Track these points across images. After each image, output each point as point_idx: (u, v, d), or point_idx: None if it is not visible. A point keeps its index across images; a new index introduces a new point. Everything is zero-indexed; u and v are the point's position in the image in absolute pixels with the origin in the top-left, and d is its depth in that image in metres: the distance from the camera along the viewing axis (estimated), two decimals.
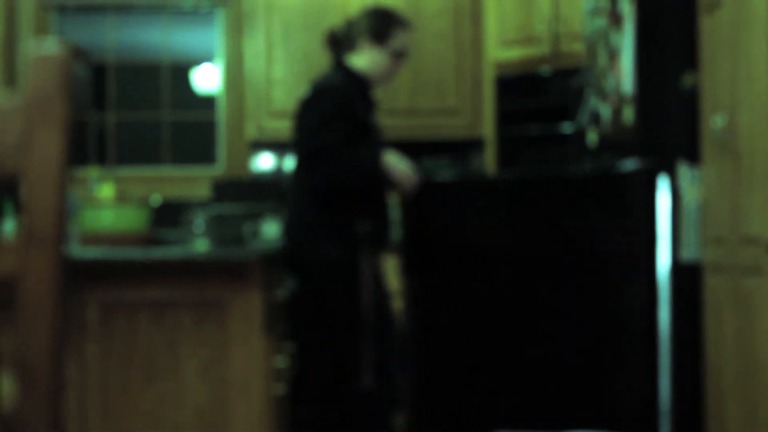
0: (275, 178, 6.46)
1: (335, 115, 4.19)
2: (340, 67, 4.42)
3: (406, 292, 4.20)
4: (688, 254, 4.03)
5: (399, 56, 4.44)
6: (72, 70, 1.17)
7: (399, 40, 4.43)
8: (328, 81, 4.34)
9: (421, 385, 4.14)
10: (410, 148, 6.31)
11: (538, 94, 5.85)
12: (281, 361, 4.09)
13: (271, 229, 5.76)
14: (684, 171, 4.05)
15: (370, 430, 4.17)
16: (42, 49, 1.16)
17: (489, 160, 6.16)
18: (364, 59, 4.42)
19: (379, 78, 4.44)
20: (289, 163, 6.43)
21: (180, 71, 8.27)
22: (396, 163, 4.19)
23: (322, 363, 4.24)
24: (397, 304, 4.43)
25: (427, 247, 4.18)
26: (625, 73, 4.18)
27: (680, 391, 3.98)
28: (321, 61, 5.51)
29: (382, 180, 4.18)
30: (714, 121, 3.88)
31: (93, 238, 3.96)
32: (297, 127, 4.31)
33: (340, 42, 4.47)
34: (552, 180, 4.18)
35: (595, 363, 4.05)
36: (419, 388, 4.14)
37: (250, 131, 6.31)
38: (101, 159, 6.89)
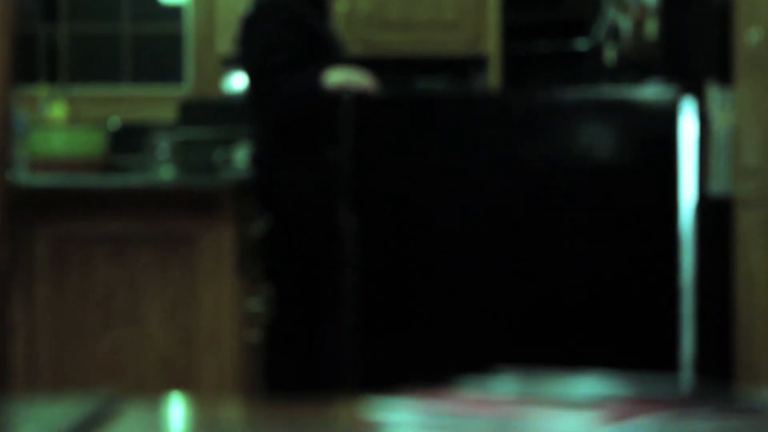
0: None
1: (283, 32, 4.15)
2: None
3: (346, 229, 4.12)
4: (717, 187, 4.03)
5: None
6: None
7: None
8: None
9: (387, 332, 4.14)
10: (403, 66, 6.27)
11: (549, 6, 5.81)
12: (256, 305, 4.09)
13: (244, 157, 5.73)
14: (714, 93, 4.03)
15: (350, 379, 4.19)
16: None
17: (493, 80, 6.13)
18: None
19: None
20: None
21: None
22: (341, 78, 4.12)
23: (299, 307, 4.24)
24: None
25: (382, 174, 4.12)
26: None
27: (706, 337, 4.00)
28: None
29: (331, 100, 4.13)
30: (749, 35, 3.86)
31: (43, 164, 3.94)
32: (242, 49, 4.29)
33: None
34: (560, 101, 4.16)
35: (610, 304, 4.06)
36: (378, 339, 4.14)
37: (222, 46, 6.26)
38: (52, 76, 6.84)
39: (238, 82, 6.49)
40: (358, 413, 1.26)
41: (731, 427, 1.13)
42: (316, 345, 4.24)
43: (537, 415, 1.11)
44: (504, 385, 1.22)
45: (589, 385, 1.21)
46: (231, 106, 6.33)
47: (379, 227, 4.10)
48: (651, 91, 4.12)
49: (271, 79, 4.14)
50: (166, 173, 4.67)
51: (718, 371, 3.98)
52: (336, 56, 4.35)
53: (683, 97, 4.05)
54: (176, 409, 1.41)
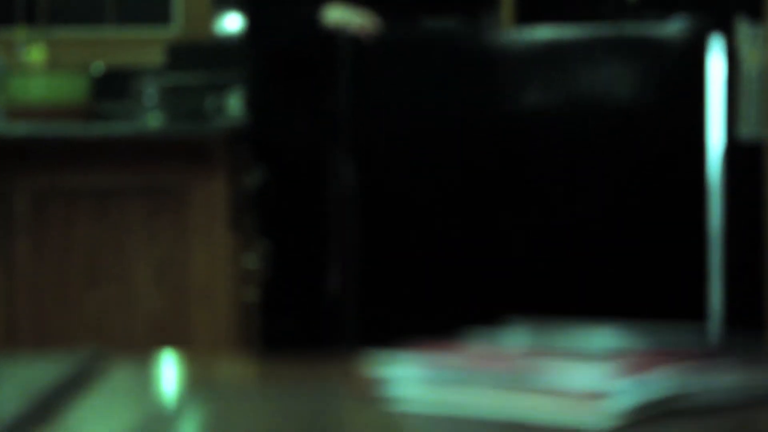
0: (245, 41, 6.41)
1: None
2: None
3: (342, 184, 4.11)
4: (747, 131, 4.03)
5: None
6: None
7: None
8: None
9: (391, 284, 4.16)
10: (407, 4, 6.25)
11: None
12: (251, 262, 4.10)
13: (238, 103, 5.73)
14: (744, 29, 4.03)
15: (351, 338, 4.21)
16: None
17: (505, 18, 6.11)
18: None
19: None
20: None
21: None
22: (340, 16, 4.11)
23: (297, 263, 4.25)
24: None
25: (383, 122, 4.12)
26: None
27: (735, 286, 4.01)
28: None
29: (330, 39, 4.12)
30: None
31: (21, 112, 3.94)
32: None
33: None
34: (578, 40, 4.16)
35: (633, 252, 4.08)
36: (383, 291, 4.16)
37: None
38: (30, 17, 6.83)
39: (231, 22, 6.48)
40: (361, 368, 1.27)
41: (755, 380, 1.15)
42: (315, 303, 4.26)
43: (549, 368, 1.12)
44: (515, 337, 1.23)
45: (606, 336, 1.22)
46: (224, 48, 6.32)
47: (380, 178, 4.11)
48: (675, 28, 4.11)
49: (268, 11, 4.13)
50: (153, 121, 4.66)
51: (748, 321, 3.99)
52: None
53: (710, 34, 4.04)
54: (167, 366, 1.43)
